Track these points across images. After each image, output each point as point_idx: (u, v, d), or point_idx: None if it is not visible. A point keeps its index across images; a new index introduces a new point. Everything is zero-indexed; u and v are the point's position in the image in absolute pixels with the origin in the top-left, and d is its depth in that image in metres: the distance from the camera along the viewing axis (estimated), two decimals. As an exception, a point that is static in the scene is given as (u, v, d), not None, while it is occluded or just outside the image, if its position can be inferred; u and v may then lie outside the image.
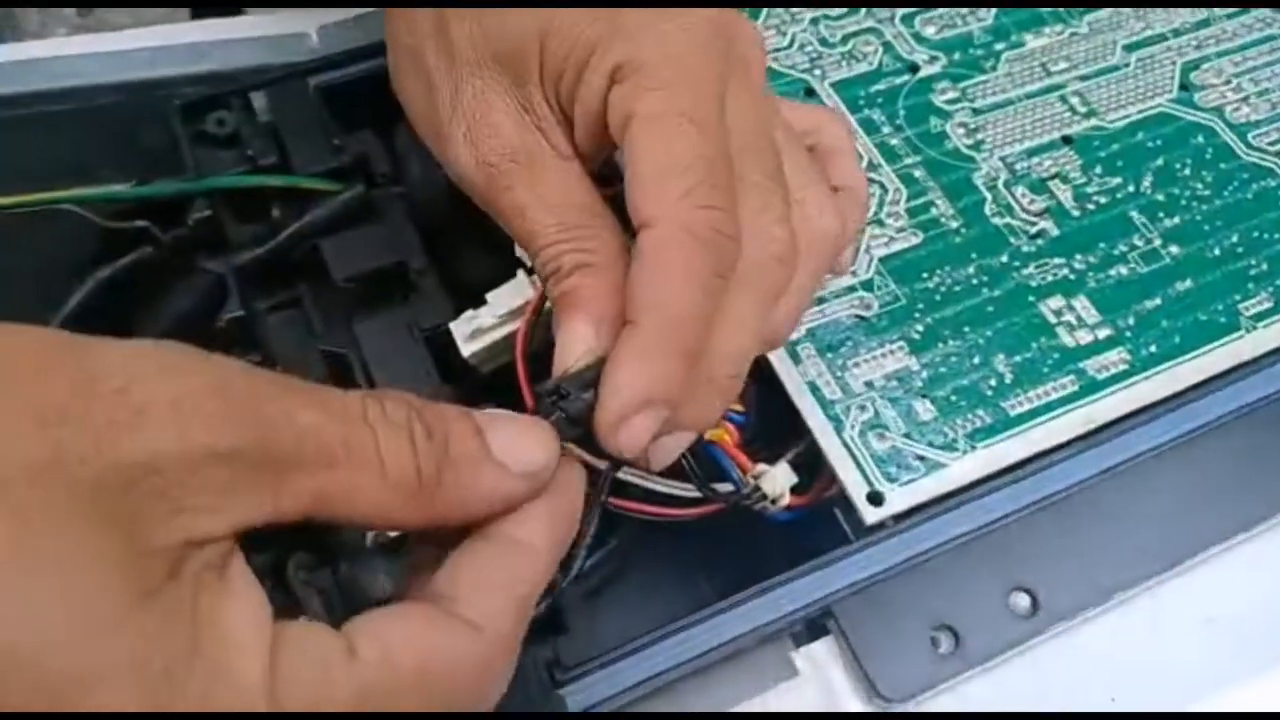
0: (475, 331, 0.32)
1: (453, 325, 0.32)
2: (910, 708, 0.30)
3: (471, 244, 0.35)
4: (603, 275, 0.27)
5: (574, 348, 0.26)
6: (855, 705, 0.31)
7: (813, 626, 0.31)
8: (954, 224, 0.38)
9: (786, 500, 0.32)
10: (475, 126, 0.28)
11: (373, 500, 0.22)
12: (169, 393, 0.20)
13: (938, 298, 0.36)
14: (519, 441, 0.24)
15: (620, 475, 0.29)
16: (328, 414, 0.22)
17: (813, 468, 0.33)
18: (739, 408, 0.32)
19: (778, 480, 0.31)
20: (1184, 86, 0.42)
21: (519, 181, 0.28)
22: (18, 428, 0.19)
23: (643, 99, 0.26)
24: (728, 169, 0.27)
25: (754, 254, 0.27)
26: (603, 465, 0.28)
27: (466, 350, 0.32)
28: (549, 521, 0.25)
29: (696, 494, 0.31)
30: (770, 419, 0.33)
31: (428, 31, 0.29)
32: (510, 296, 0.32)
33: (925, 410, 0.34)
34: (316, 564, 0.24)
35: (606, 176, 0.29)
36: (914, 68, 0.41)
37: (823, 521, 0.33)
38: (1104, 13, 0.43)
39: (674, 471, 0.31)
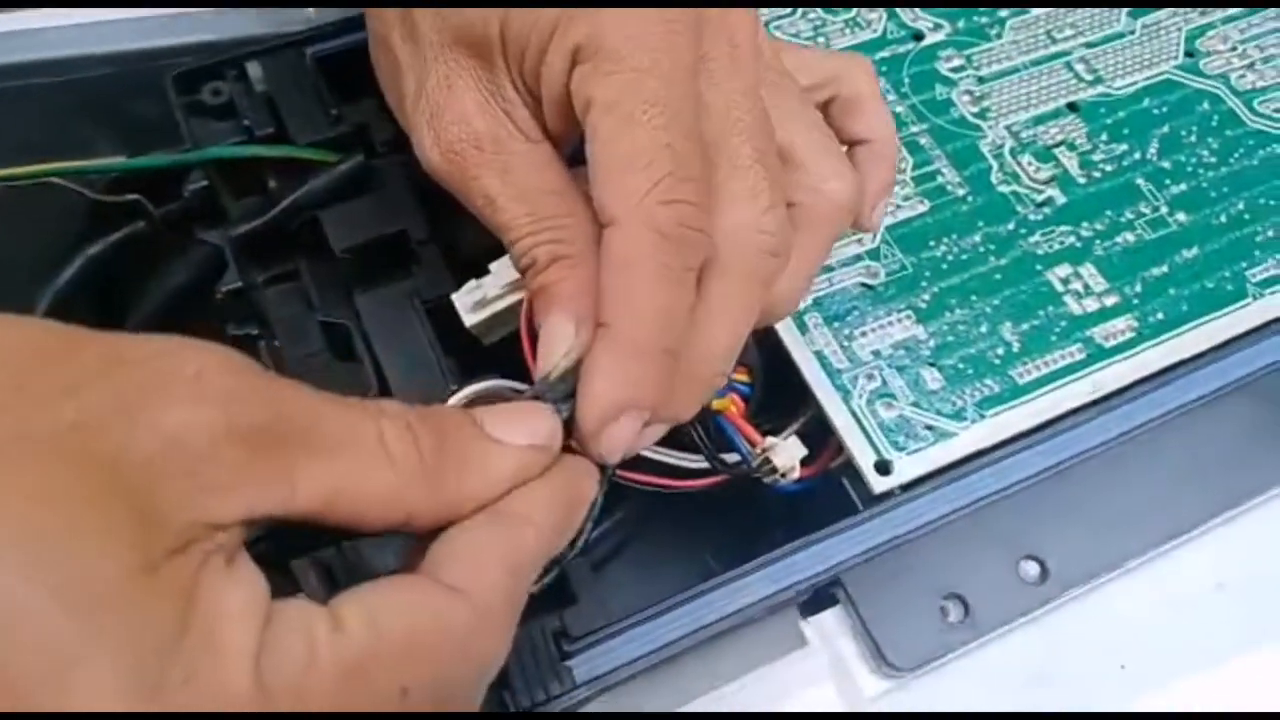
0: (478, 303, 0.31)
1: (455, 296, 0.32)
2: (919, 676, 0.30)
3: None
4: (580, 266, 0.26)
5: (556, 346, 0.25)
6: (864, 674, 0.30)
7: (821, 596, 0.31)
8: (960, 192, 0.37)
9: (797, 474, 0.31)
10: (439, 113, 0.27)
11: (383, 485, 0.22)
12: (192, 367, 0.20)
13: (944, 266, 0.36)
14: (513, 419, 0.24)
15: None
16: (334, 404, 0.22)
17: (819, 437, 0.33)
18: (745, 378, 0.32)
19: (788, 453, 0.31)
20: (1189, 53, 0.41)
21: (486, 170, 0.27)
22: (45, 396, 0.19)
23: (602, 83, 0.25)
24: (698, 156, 0.25)
25: (740, 248, 0.26)
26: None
27: (469, 321, 0.31)
28: (547, 497, 0.24)
29: (704, 465, 0.31)
30: (776, 388, 0.33)
31: (393, 18, 0.29)
32: (514, 266, 0.31)
33: (933, 379, 0.34)
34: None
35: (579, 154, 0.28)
36: (918, 35, 0.41)
37: (830, 491, 0.33)
38: (1108, -21, 0.43)
39: (682, 443, 0.31)
